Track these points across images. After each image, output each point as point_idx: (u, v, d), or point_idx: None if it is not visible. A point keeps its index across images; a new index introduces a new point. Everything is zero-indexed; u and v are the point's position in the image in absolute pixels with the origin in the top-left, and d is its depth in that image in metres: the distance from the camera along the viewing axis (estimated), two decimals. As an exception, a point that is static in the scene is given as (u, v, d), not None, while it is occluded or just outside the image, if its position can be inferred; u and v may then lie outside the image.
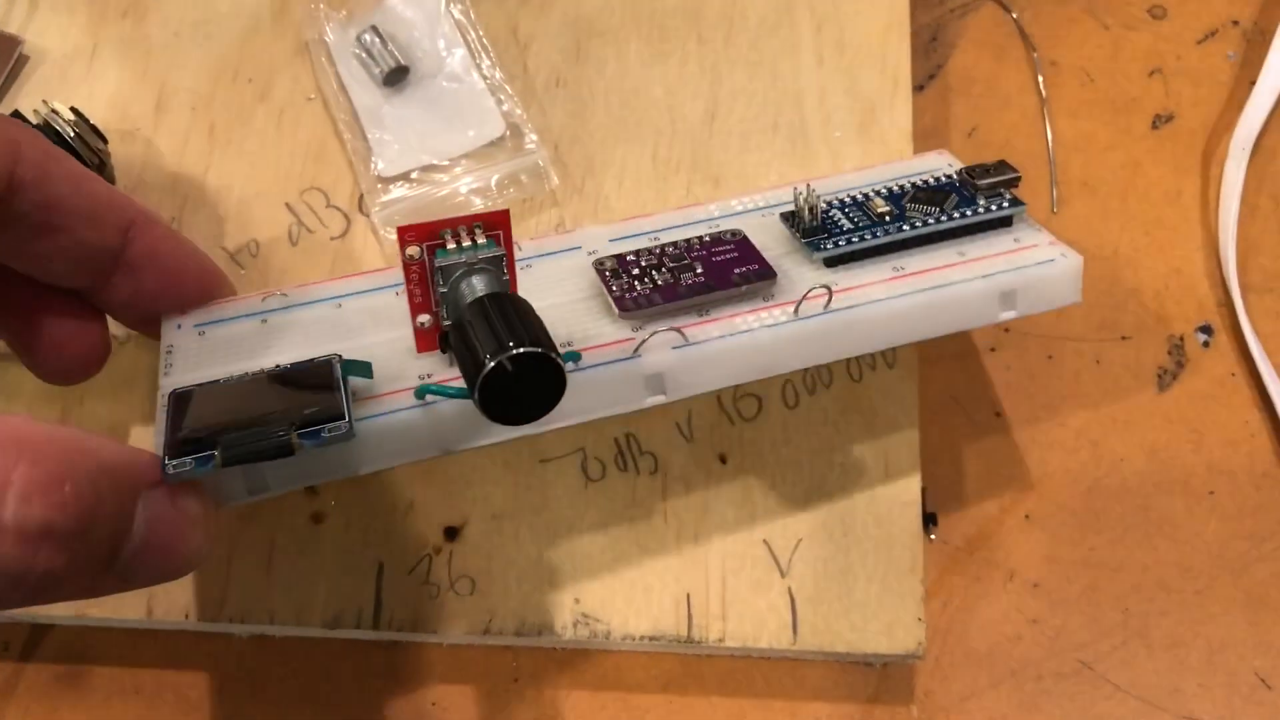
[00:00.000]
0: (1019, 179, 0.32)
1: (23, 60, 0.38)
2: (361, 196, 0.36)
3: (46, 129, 0.35)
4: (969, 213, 0.32)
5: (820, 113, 0.38)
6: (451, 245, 0.27)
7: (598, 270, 0.30)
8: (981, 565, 0.36)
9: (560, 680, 0.34)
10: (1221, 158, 0.40)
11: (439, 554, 0.33)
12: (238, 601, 0.33)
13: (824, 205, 0.32)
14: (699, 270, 0.30)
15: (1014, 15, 0.42)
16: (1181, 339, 0.38)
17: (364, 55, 0.37)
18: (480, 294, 0.27)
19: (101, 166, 0.36)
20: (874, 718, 0.34)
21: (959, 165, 0.34)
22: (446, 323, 0.28)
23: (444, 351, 0.29)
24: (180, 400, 0.27)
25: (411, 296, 0.28)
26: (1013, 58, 0.41)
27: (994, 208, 0.32)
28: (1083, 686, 0.35)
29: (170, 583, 0.32)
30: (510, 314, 0.26)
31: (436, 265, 0.27)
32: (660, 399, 0.29)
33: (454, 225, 0.27)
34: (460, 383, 0.26)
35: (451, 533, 0.33)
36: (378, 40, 0.37)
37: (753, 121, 0.38)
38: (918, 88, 0.41)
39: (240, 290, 0.32)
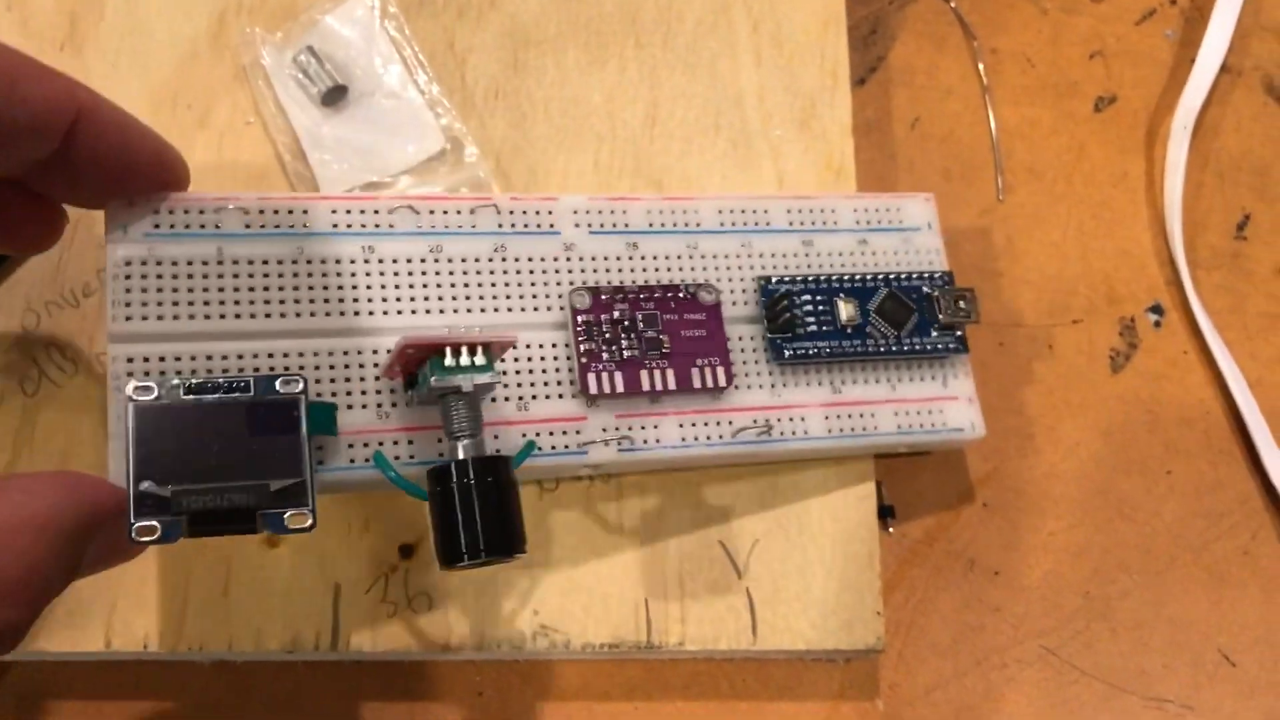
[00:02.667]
0: (976, 320, 0.34)
1: (-41, 97, 0.38)
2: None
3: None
4: (920, 344, 0.34)
5: (760, 111, 0.38)
6: (451, 362, 0.28)
7: (573, 315, 0.32)
8: (941, 556, 0.36)
9: (525, 692, 0.34)
10: (1165, 137, 0.40)
11: (395, 572, 0.33)
12: (196, 629, 0.32)
13: (796, 289, 0.34)
14: (665, 348, 0.32)
15: (952, 4, 0.42)
16: (1133, 320, 0.38)
17: (301, 76, 0.37)
18: (461, 458, 0.28)
19: (42, 200, 0.36)
20: (840, 714, 0.34)
21: (935, 217, 0.36)
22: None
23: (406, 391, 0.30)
24: (142, 419, 0.27)
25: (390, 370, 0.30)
26: (953, 47, 0.42)
27: (943, 346, 0.34)
28: (1047, 672, 0.35)
29: (127, 614, 0.33)
30: (475, 512, 0.27)
31: (433, 385, 0.28)
32: (589, 474, 0.33)
33: (458, 344, 0.28)
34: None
35: (407, 550, 0.33)
36: (314, 61, 0.37)
37: (693, 124, 0.38)
38: (859, 81, 0.41)
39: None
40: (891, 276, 0.34)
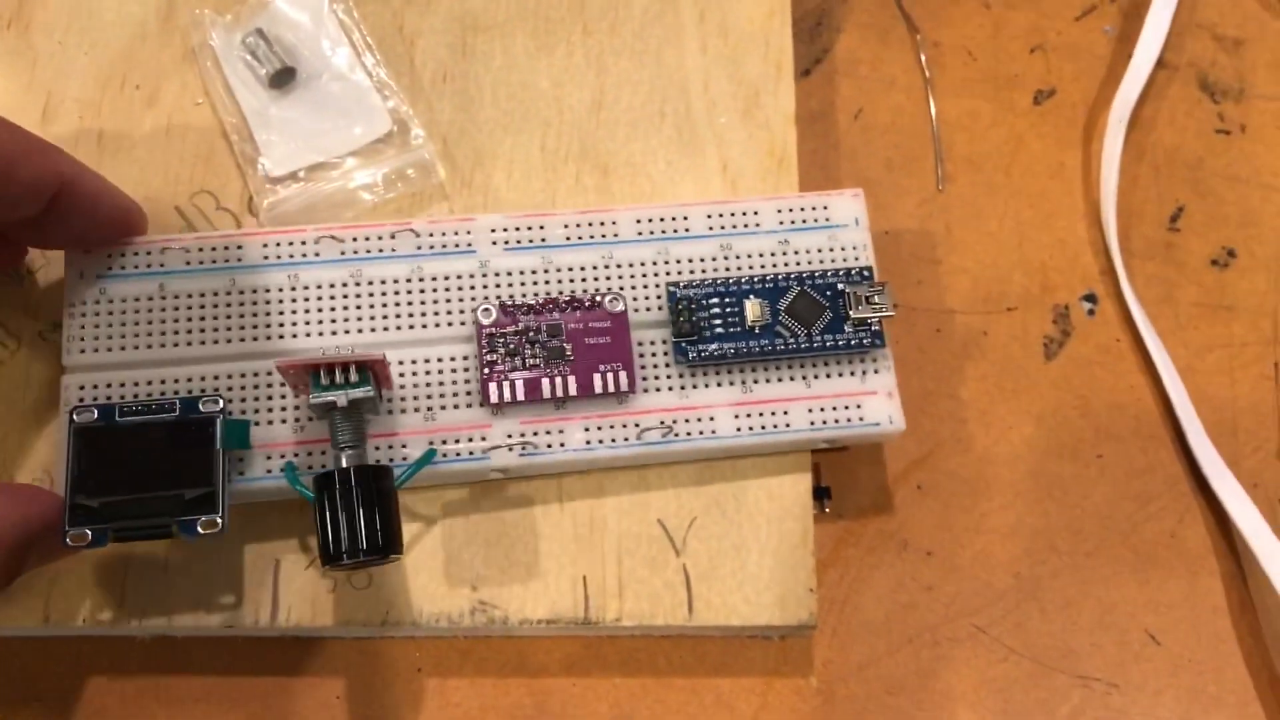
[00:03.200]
0: (890, 314, 0.34)
1: (-95, 74, 0.38)
2: (251, 198, 0.37)
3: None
4: (833, 340, 0.34)
5: (705, 99, 0.38)
6: (325, 380, 0.31)
7: (479, 329, 0.34)
8: (875, 536, 0.36)
9: (464, 668, 0.35)
10: (1101, 130, 0.41)
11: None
12: (136, 603, 0.33)
13: (704, 294, 0.34)
14: (568, 353, 0.34)
15: (897, -2, 0.43)
16: (1067, 308, 0.39)
17: (249, 58, 0.37)
18: (344, 466, 0.31)
19: (-13, 177, 0.36)
20: (775, 690, 0.35)
21: (864, 212, 0.36)
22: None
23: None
24: (81, 439, 0.31)
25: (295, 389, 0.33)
26: (896, 40, 0.42)
27: (857, 342, 0.34)
28: (978, 650, 0.35)
29: (68, 589, 0.33)
30: (354, 516, 0.30)
31: (311, 402, 0.31)
32: (500, 477, 0.34)
33: (330, 365, 0.31)
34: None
35: (348, 526, 0.34)
36: (263, 43, 0.37)
37: (639, 110, 0.38)
38: (804, 72, 0.42)
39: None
40: (805, 275, 0.35)
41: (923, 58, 0.42)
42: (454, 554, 0.33)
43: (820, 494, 0.36)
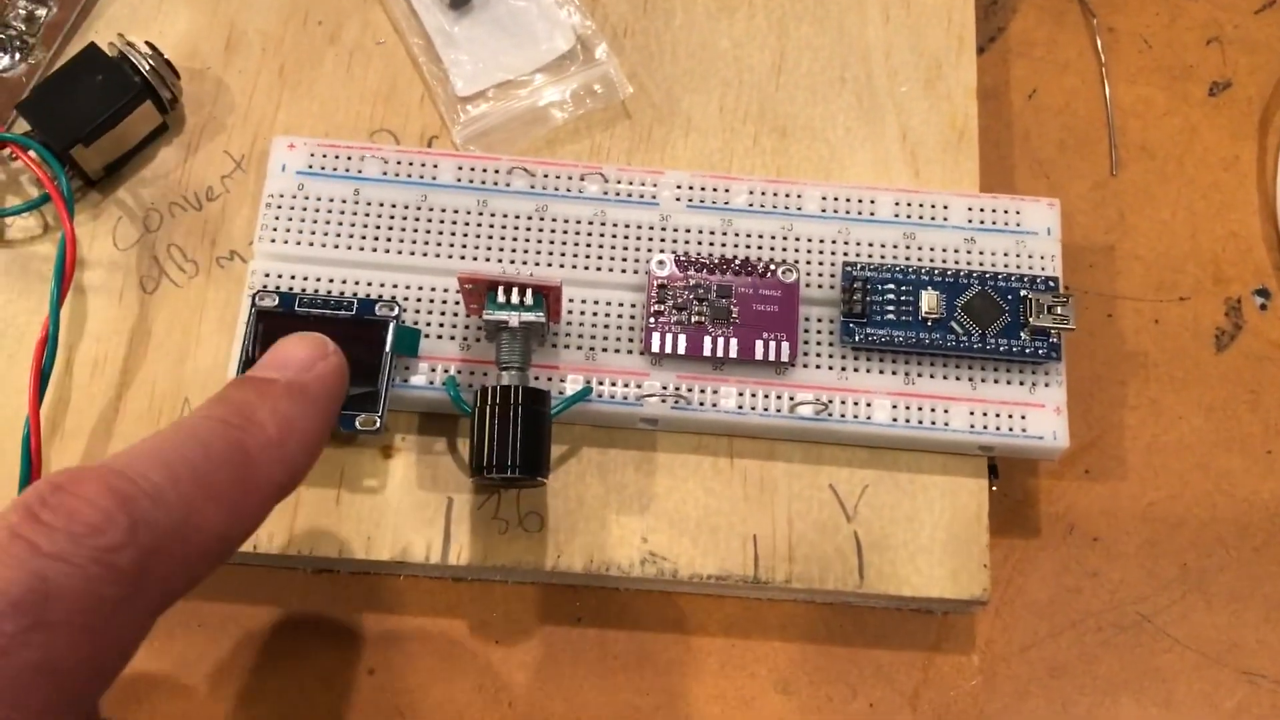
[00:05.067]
0: (1072, 328, 0.33)
1: (94, -3, 0.38)
2: (431, 139, 0.37)
3: (123, 62, 0.35)
4: (1006, 345, 0.33)
5: (886, 67, 0.38)
6: (501, 299, 0.31)
7: (650, 279, 0.34)
8: (1042, 518, 0.36)
9: (622, 621, 0.34)
10: (1278, 126, 0.40)
11: (508, 489, 0.33)
12: (307, 533, 0.33)
13: (881, 278, 0.34)
14: (734, 316, 0.33)
15: (1073, -19, 0.42)
16: (1239, 301, 0.39)
17: None
18: (505, 384, 0.31)
19: (174, 102, 0.36)
20: (935, 665, 0.34)
21: (1058, 223, 0.35)
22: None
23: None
24: (260, 321, 0.32)
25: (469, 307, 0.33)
26: (1071, 23, 0.42)
27: (1031, 351, 0.33)
28: (1142, 639, 0.35)
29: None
30: (508, 433, 0.30)
31: (485, 318, 0.31)
32: (648, 427, 0.34)
33: (509, 284, 0.31)
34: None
35: (520, 470, 0.33)
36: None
37: (819, 75, 0.38)
38: (979, 50, 0.41)
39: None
40: (989, 275, 0.34)
41: (1098, 43, 0.41)
42: (626, 504, 0.33)
43: (990, 472, 0.35)
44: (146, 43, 0.35)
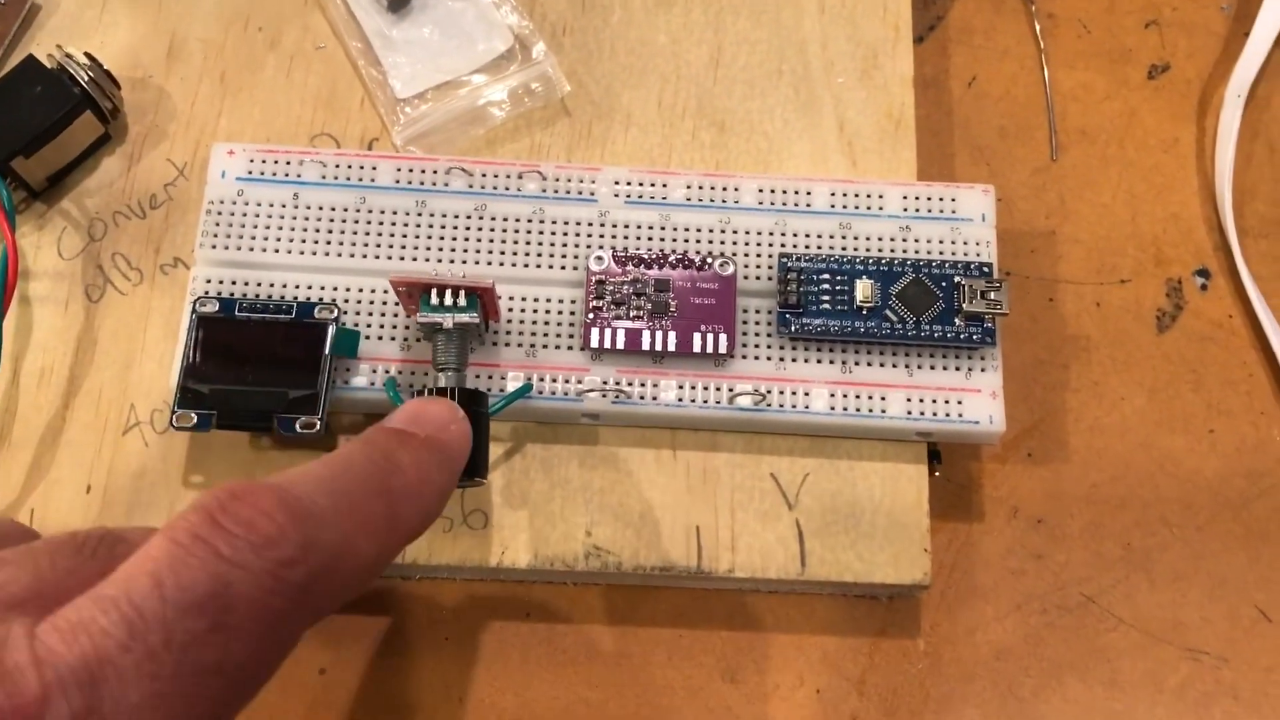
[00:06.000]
0: (1005, 313, 0.34)
1: (35, 9, 0.38)
2: (372, 142, 0.37)
3: (62, 74, 0.35)
4: (941, 331, 0.34)
5: (823, 59, 0.38)
6: (435, 301, 0.31)
7: (589, 275, 0.34)
8: (985, 502, 0.36)
9: (570, 615, 0.35)
10: (1217, 107, 0.41)
11: (459, 489, 0.33)
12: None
13: (816, 268, 0.34)
14: (672, 309, 0.34)
15: (1012, -32, 0.42)
16: (1180, 282, 0.39)
17: None
18: (442, 386, 0.31)
19: (115, 112, 0.36)
20: (882, 650, 0.35)
21: (992, 209, 0.35)
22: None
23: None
24: (200, 327, 0.33)
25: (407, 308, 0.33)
26: (1010, 10, 0.42)
27: (966, 336, 0.34)
28: (1087, 620, 0.35)
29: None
30: None
31: (418, 320, 0.31)
32: (591, 422, 0.34)
33: (441, 286, 0.31)
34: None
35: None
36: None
37: (757, 68, 0.38)
38: (918, 39, 0.41)
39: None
40: (923, 263, 0.34)
41: (1037, 28, 0.42)
42: (570, 499, 0.34)
43: (931, 457, 0.36)
44: (86, 53, 0.35)
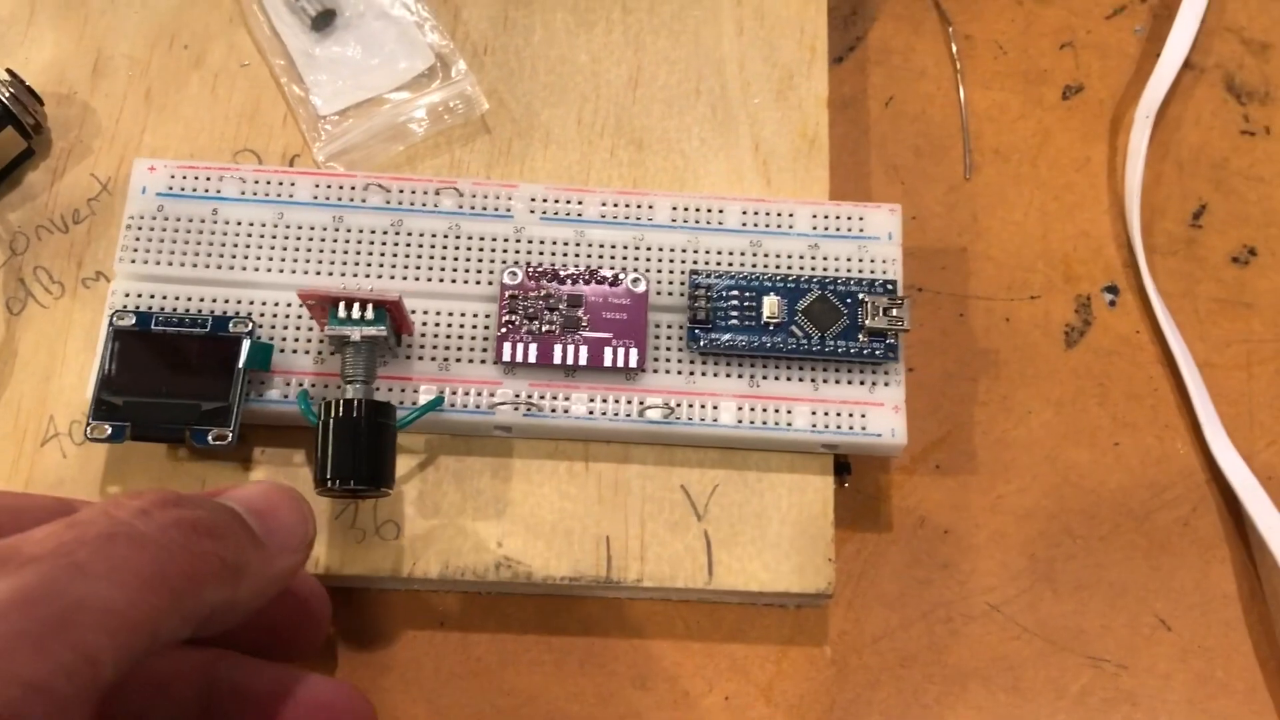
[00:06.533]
0: (907, 329, 0.35)
1: (-40, 26, 0.39)
2: (293, 158, 0.38)
3: (-19, 89, 0.36)
4: (845, 347, 0.35)
5: (740, 79, 0.39)
6: (342, 314, 0.32)
7: (502, 289, 0.35)
8: (894, 512, 0.37)
9: (486, 624, 0.35)
10: (1128, 126, 0.42)
11: (364, 499, 0.34)
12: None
13: (725, 285, 0.35)
14: (584, 324, 0.35)
15: (931, -10, 0.43)
16: (1089, 298, 0.40)
17: (292, 1, 0.38)
18: (349, 398, 0.32)
19: (38, 128, 0.37)
20: (789, 658, 0.35)
21: (899, 228, 0.36)
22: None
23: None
24: (117, 340, 0.33)
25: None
26: (929, 31, 0.43)
27: (869, 352, 0.35)
28: (991, 628, 0.36)
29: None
30: (349, 445, 0.31)
31: (326, 332, 0.32)
32: (503, 435, 0.35)
33: (349, 300, 0.32)
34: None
35: (377, 479, 0.34)
36: (305, -14, 0.38)
37: (675, 88, 0.39)
38: (837, 59, 0.42)
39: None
40: (829, 280, 0.35)
41: (954, 49, 0.43)
42: (482, 510, 0.34)
43: (841, 469, 0.36)
44: (7, 70, 0.36)
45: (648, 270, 0.36)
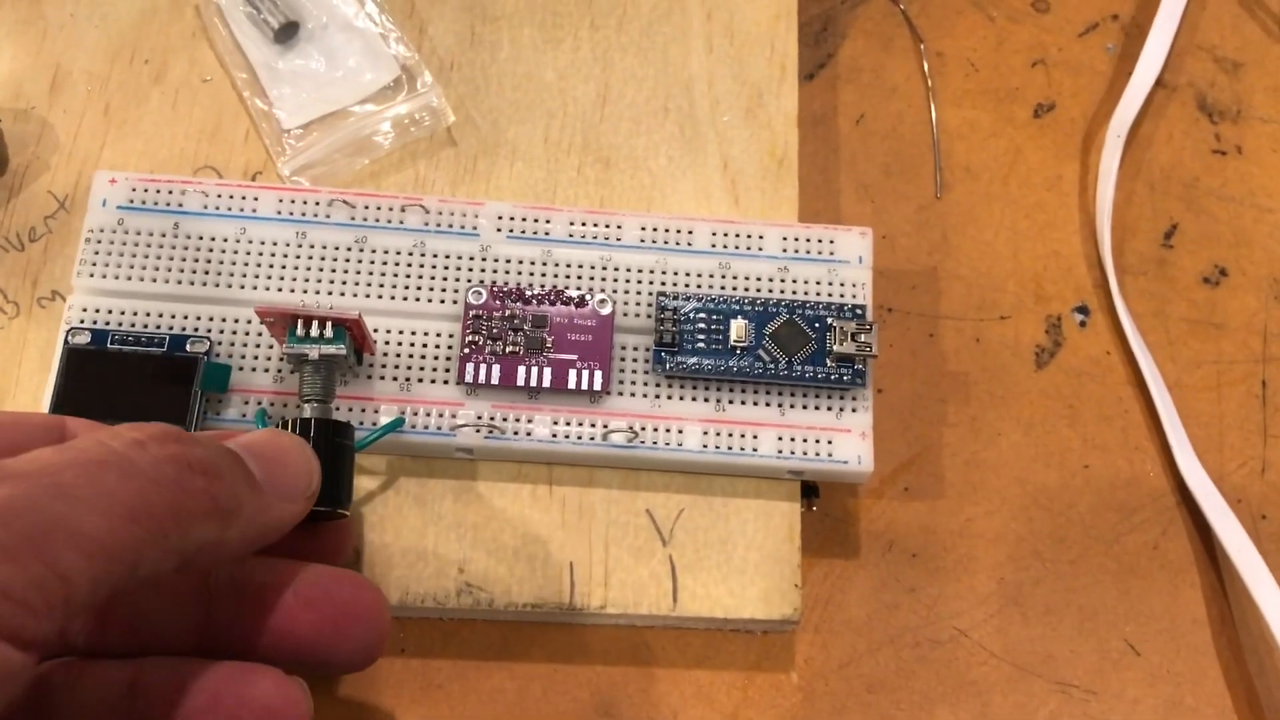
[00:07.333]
0: (875, 355, 0.34)
1: (-85, 40, 0.38)
2: (256, 174, 0.37)
3: (-65, 105, 0.35)
4: (812, 372, 0.34)
5: (709, 97, 0.39)
6: (301, 332, 0.31)
7: (466, 309, 0.34)
8: (862, 536, 0.37)
9: (447, 650, 0.35)
10: (1099, 145, 0.42)
11: (321, 521, 0.33)
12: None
13: (692, 307, 0.35)
14: (549, 346, 0.34)
15: (902, 7, 0.43)
16: (1059, 319, 0.40)
17: (254, 14, 0.38)
18: (306, 417, 0.31)
19: (-7, 143, 0.36)
20: (756, 684, 0.35)
21: (869, 251, 0.36)
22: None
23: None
24: (72, 358, 0.33)
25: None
26: (900, 48, 0.43)
27: (836, 377, 0.34)
28: (959, 653, 0.36)
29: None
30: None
31: (285, 350, 0.32)
32: (465, 456, 0.34)
33: (308, 318, 0.31)
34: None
35: (337, 503, 0.34)
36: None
37: (643, 105, 0.39)
38: (808, 76, 0.42)
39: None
40: (797, 304, 0.35)
41: (925, 67, 0.42)
42: (443, 535, 0.34)
43: (808, 492, 0.36)
44: (-39, 85, 0.35)
45: (615, 291, 0.35)
